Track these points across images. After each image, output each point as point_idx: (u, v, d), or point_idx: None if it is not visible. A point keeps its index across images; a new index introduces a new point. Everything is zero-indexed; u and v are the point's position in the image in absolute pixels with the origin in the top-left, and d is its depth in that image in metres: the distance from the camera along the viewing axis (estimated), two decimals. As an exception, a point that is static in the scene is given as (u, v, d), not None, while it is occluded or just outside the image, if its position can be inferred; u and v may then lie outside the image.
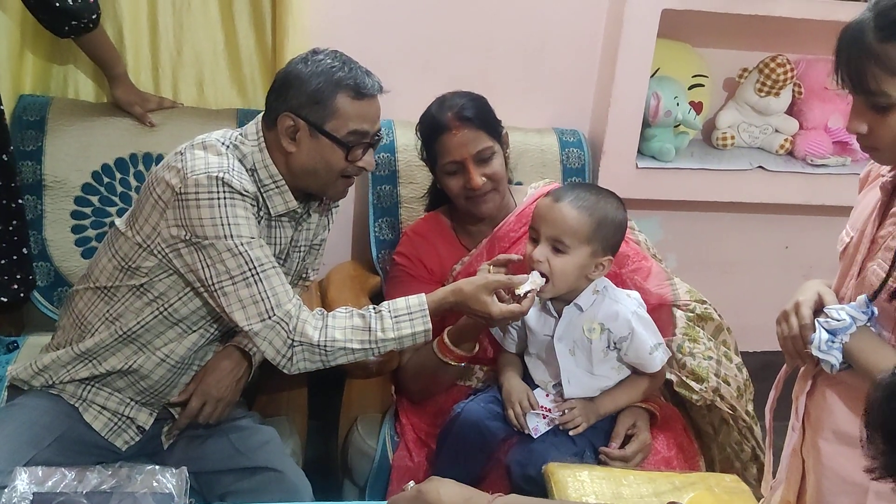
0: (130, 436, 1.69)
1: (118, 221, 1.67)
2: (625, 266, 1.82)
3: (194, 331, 1.66)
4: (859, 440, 0.89)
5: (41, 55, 2.19)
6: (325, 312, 1.58)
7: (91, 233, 2.12)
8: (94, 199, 2.12)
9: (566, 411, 1.68)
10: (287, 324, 1.53)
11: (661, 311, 1.76)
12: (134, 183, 2.13)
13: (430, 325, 1.58)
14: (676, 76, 2.57)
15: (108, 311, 1.64)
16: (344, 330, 1.56)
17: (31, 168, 2.08)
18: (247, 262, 1.53)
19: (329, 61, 1.59)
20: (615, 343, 1.69)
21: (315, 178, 1.64)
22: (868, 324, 1.27)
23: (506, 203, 1.95)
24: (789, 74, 2.58)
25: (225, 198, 1.52)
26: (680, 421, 1.85)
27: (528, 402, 1.67)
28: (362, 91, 1.59)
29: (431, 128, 1.88)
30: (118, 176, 2.12)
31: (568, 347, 1.69)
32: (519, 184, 2.09)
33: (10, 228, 1.97)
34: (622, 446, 1.71)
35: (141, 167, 2.14)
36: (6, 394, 1.72)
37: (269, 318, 1.52)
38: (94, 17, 1.96)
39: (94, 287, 1.66)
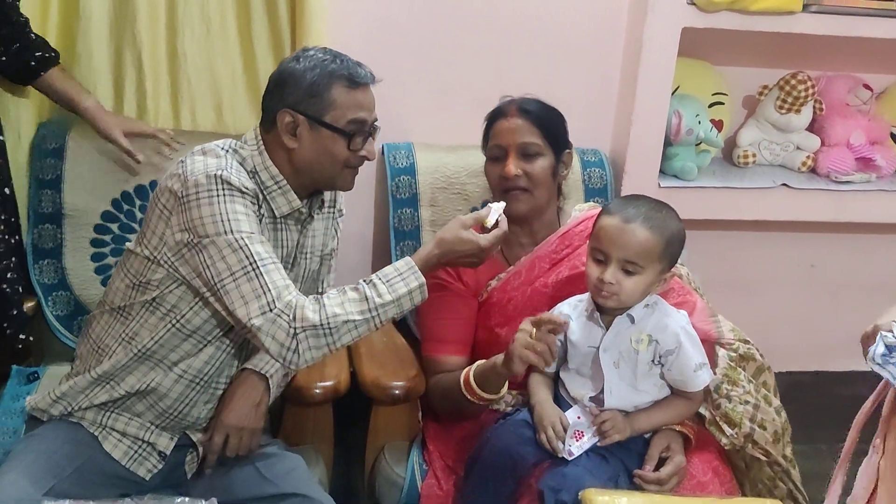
0: (153, 463, 1.66)
1: (129, 244, 1.67)
2: (669, 298, 1.77)
3: (209, 342, 1.64)
4: None
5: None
6: (319, 297, 1.55)
7: (111, 261, 2.09)
8: (114, 227, 2.10)
9: (603, 422, 1.64)
10: (287, 315, 1.50)
11: (704, 348, 1.72)
12: (154, 210, 2.11)
13: (423, 280, 1.56)
14: (697, 94, 2.56)
15: (123, 331, 1.63)
16: (342, 304, 1.52)
17: (51, 197, 2.06)
18: (247, 257, 1.51)
19: (321, 55, 1.63)
20: (661, 356, 1.65)
21: (320, 171, 1.65)
22: None
23: (551, 222, 1.94)
24: (810, 91, 2.56)
25: (224, 194, 1.53)
26: (715, 445, 1.79)
27: (560, 426, 1.63)
28: (357, 80, 1.62)
29: (492, 115, 1.93)
30: (138, 203, 2.11)
31: (613, 359, 1.66)
32: None
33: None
34: (656, 469, 1.67)
35: (161, 194, 2.12)
36: (25, 426, 1.69)
37: (271, 310, 1.49)
38: (54, 50, 1.99)
39: (110, 309, 1.65)
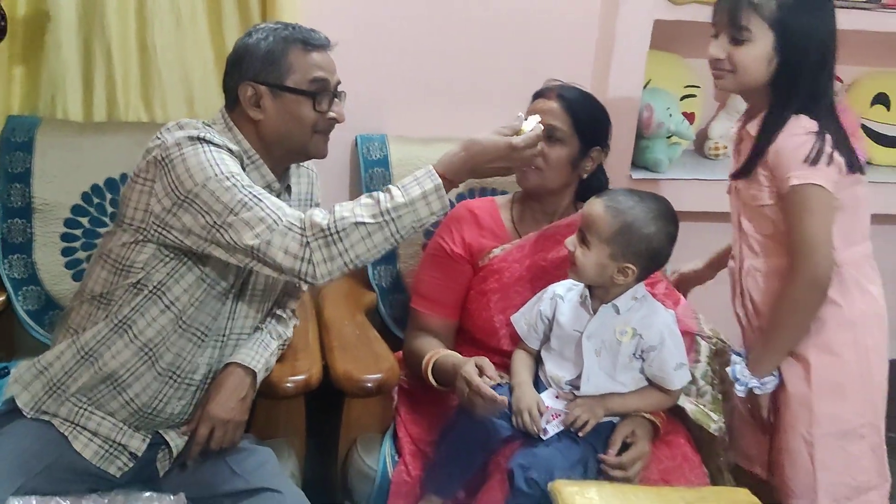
0: (123, 462, 1.65)
1: (106, 232, 1.66)
2: (657, 287, 1.84)
3: (189, 328, 1.61)
4: None
5: (29, 75, 2.16)
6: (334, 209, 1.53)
7: (81, 255, 2.08)
8: (84, 221, 2.08)
9: (575, 411, 1.66)
10: (297, 225, 1.48)
11: (685, 338, 1.76)
12: (124, 203, 2.09)
13: (439, 182, 1.50)
14: (669, 87, 2.58)
15: (106, 315, 1.61)
16: (352, 209, 1.49)
17: (20, 191, 2.05)
18: (241, 190, 1.49)
19: (272, 25, 1.66)
20: (643, 351, 1.68)
21: (290, 140, 1.65)
22: None
23: (567, 210, 1.95)
24: (780, 83, 2.57)
25: (210, 148, 1.53)
26: (683, 433, 1.82)
27: (537, 411, 1.64)
28: (312, 42, 1.63)
29: (535, 94, 1.92)
30: (108, 196, 2.09)
31: (595, 347, 1.68)
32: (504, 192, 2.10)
33: None
34: (619, 454, 1.68)
35: (131, 187, 2.10)
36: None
37: (279, 224, 1.47)
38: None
39: (90, 297, 1.63)
